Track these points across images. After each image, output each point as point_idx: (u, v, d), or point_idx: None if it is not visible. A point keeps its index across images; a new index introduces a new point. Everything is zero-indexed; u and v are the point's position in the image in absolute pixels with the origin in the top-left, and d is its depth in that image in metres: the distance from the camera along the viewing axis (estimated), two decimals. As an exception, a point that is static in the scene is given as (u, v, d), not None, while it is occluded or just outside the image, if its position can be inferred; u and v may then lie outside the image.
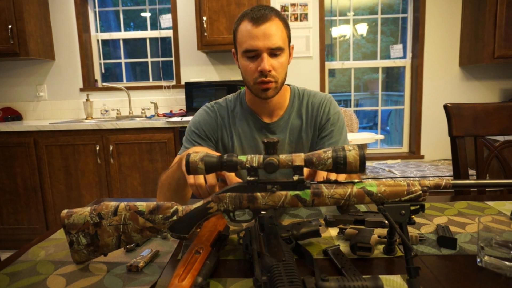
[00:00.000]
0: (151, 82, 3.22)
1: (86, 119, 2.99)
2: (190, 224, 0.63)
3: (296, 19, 2.93)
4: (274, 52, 0.99)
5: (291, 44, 1.08)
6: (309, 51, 2.97)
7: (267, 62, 0.97)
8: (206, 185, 0.76)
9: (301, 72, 3.00)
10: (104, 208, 0.65)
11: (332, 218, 0.74)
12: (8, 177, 2.58)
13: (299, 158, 0.59)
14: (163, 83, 3.12)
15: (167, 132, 2.52)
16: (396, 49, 3.08)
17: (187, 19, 3.01)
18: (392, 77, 3.33)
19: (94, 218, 0.65)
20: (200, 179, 0.77)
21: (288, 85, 1.18)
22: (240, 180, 0.73)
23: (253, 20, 0.97)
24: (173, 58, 3.11)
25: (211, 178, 0.76)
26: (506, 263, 0.60)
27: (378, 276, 0.47)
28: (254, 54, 0.99)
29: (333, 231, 0.79)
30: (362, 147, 0.58)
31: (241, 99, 1.16)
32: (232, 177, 0.77)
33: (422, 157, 3.03)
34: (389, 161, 2.96)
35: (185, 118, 2.62)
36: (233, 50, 1.10)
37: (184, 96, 3.03)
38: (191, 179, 0.78)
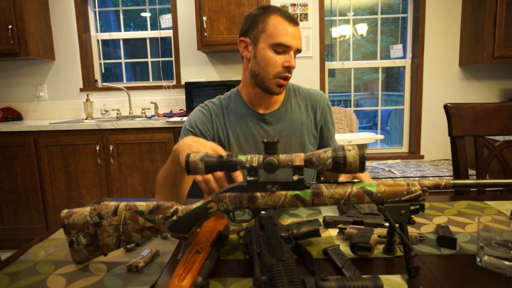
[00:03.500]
0: (151, 82, 3.22)
1: (86, 119, 2.99)
2: (190, 224, 0.63)
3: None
4: (295, 53, 1.06)
5: None
6: (309, 51, 2.97)
7: (295, 60, 1.05)
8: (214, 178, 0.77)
9: (301, 72, 3.00)
10: (104, 208, 0.65)
11: (331, 219, 0.75)
12: (8, 177, 2.58)
13: (299, 158, 0.59)
14: (163, 83, 3.12)
15: (167, 132, 2.52)
16: (396, 49, 3.08)
17: (187, 19, 3.01)
18: (392, 77, 3.33)
19: (94, 218, 0.65)
20: None
21: None
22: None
23: (289, 19, 1.03)
24: (173, 58, 3.11)
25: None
26: (506, 263, 0.60)
27: (378, 276, 0.47)
28: (283, 50, 1.03)
29: (333, 231, 0.80)
30: (362, 147, 0.58)
31: (235, 95, 1.17)
32: (238, 175, 0.77)
33: (422, 157, 3.03)
34: (389, 161, 2.96)
35: (185, 118, 2.62)
36: (243, 38, 1.08)
37: (184, 96, 3.03)
38: (198, 176, 0.78)
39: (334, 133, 1.25)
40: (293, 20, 1.04)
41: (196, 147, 0.80)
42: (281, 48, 1.03)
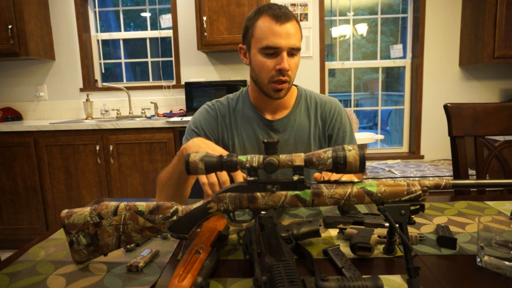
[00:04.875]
0: (151, 82, 3.22)
1: (86, 119, 2.99)
2: (190, 224, 0.63)
3: (296, 19, 2.93)
4: (292, 52, 0.99)
5: None
6: (309, 51, 2.97)
7: (287, 61, 0.97)
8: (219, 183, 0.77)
9: (301, 72, 3.00)
10: (104, 208, 0.65)
11: (331, 219, 0.75)
12: (8, 177, 2.58)
13: (299, 158, 0.59)
14: (163, 83, 3.12)
15: (167, 132, 2.52)
16: (396, 49, 3.08)
17: (187, 19, 3.01)
18: (392, 77, 3.33)
19: (94, 218, 0.65)
20: (213, 177, 0.77)
21: (295, 85, 1.17)
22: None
23: (276, 18, 0.96)
24: (173, 58, 3.11)
25: (224, 174, 0.76)
26: (506, 263, 0.60)
27: (378, 276, 0.47)
28: (273, 52, 0.98)
29: (333, 231, 0.79)
30: (362, 147, 0.58)
31: (244, 97, 1.14)
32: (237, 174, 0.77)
33: (422, 157, 3.03)
34: (389, 161, 2.96)
35: (185, 118, 2.62)
36: (241, 45, 1.08)
37: (184, 96, 3.03)
38: (203, 178, 0.78)
39: (352, 140, 1.16)
40: (281, 18, 0.96)
41: (205, 149, 0.80)
42: (271, 51, 0.97)
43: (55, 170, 2.57)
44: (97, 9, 3.17)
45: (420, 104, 2.98)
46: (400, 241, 0.68)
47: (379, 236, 0.71)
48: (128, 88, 3.07)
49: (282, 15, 0.97)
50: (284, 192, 0.60)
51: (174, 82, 3.12)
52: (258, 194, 0.61)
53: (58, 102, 3.13)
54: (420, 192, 0.59)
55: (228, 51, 2.90)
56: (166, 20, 3.07)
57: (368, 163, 2.90)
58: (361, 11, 3.18)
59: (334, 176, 0.82)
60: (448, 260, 0.66)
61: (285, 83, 1.00)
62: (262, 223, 0.66)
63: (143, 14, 3.23)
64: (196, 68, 3.07)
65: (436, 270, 0.62)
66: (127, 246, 0.70)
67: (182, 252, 0.71)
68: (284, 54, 0.97)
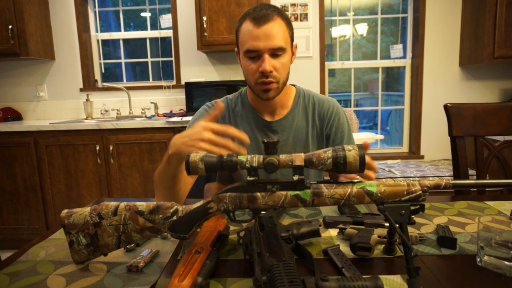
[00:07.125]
0: (151, 82, 3.22)
1: (86, 119, 2.99)
2: (190, 224, 0.63)
3: (296, 19, 2.93)
4: (275, 53, 0.98)
5: (294, 43, 1.08)
6: (309, 51, 2.97)
7: (268, 63, 0.97)
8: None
9: (301, 72, 3.00)
10: (104, 208, 0.65)
11: (331, 219, 0.75)
12: (8, 177, 2.58)
13: (299, 158, 0.59)
14: (163, 83, 3.12)
15: (167, 132, 2.52)
16: (396, 49, 3.08)
17: (187, 19, 3.01)
18: (392, 77, 3.33)
19: (94, 218, 0.65)
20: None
21: (293, 85, 1.17)
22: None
23: (255, 20, 0.97)
24: (173, 58, 3.11)
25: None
26: (506, 263, 0.60)
27: (378, 276, 0.47)
28: (255, 55, 0.98)
29: (333, 231, 0.79)
30: (361, 147, 0.58)
31: (243, 98, 1.15)
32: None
33: (422, 157, 3.03)
34: (389, 161, 2.96)
35: (185, 118, 2.62)
36: (235, 49, 1.09)
37: (184, 96, 3.03)
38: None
39: (350, 140, 1.16)
40: (259, 20, 0.96)
41: (182, 135, 0.78)
42: (252, 54, 0.98)
43: (55, 170, 2.57)
44: (97, 9, 3.17)
45: (420, 104, 2.98)
46: (400, 241, 0.68)
47: (379, 236, 0.71)
48: (128, 88, 3.07)
49: (261, 16, 0.96)
50: (284, 192, 0.60)
51: (174, 82, 3.12)
52: (258, 194, 0.61)
53: (58, 102, 3.13)
54: (420, 192, 0.59)
55: (228, 51, 2.90)
56: (166, 20, 3.07)
57: (368, 163, 2.89)
58: (361, 11, 3.18)
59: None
60: (448, 260, 0.66)
61: (271, 83, 1.00)
62: (262, 223, 0.66)
63: (143, 14, 3.23)
64: (196, 68, 3.07)
65: (436, 270, 0.62)
66: (127, 246, 0.70)
67: (182, 252, 0.71)
68: (265, 56, 0.97)
